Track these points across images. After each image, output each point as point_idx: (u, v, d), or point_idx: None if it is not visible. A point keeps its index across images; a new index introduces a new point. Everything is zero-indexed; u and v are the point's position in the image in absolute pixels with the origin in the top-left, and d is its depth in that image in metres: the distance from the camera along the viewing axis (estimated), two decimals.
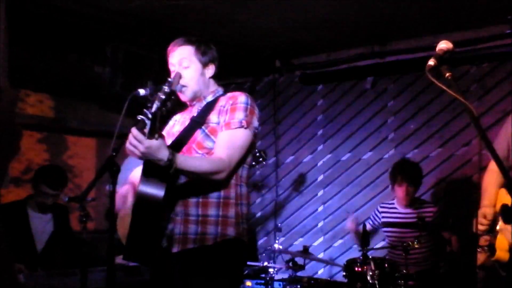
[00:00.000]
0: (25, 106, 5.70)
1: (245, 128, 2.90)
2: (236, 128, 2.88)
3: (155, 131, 2.62)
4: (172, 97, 2.73)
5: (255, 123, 2.98)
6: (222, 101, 3.01)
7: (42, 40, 5.04)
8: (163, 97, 2.65)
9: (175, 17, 5.01)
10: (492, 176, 3.24)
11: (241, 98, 2.97)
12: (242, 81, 6.67)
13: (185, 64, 3.05)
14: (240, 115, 2.91)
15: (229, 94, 3.05)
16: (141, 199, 2.76)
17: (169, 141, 2.97)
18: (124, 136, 2.80)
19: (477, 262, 3.18)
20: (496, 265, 2.90)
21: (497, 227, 2.91)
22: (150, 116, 2.61)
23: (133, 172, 3.31)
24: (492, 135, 4.49)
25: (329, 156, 6.24)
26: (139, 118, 2.64)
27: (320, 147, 6.31)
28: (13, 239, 4.50)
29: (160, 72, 5.32)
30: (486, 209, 3.02)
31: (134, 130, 2.61)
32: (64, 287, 3.90)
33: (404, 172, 4.91)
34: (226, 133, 2.89)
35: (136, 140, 2.60)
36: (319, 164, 6.30)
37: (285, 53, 6.19)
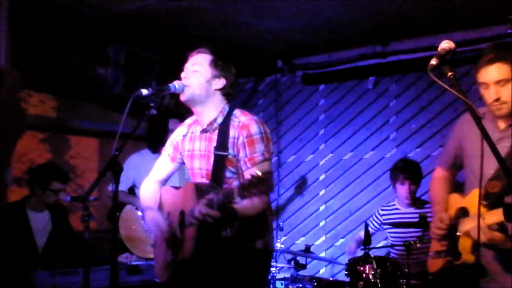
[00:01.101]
0: (28, 106, 5.70)
1: (267, 159, 3.04)
2: (260, 162, 3.00)
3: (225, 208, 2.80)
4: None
5: (272, 148, 3.12)
6: (232, 131, 3.07)
7: (44, 40, 5.05)
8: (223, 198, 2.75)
9: (177, 18, 5.02)
10: (439, 183, 3.26)
11: (254, 128, 3.05)
12: (244, 81, 6.68)
13: (196, 68, 3.12)
14: (260, 147, 3.02)
15: (237, 121, 3.10)
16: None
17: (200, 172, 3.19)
18: (127, 136, 2.82)
19: (430, 269, 3.18)
20: (460, 270, 2.89)
21: (458, 232, 2.89)
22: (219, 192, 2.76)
23: (144, 191, 3.46)
24: None
25: (330, 155, 6.25)
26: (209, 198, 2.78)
27: (321, 147, 6.32)
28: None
29: (162, 72, 5.33)
30: (442, 214, 3.01)
31: (205, 209, 2.75)
32: (67, 286, 3.91)
33: (406, 171, 4.92)
34: (254, 170, 2.98)
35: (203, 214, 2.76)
36: (320, 163, 6.31)
37: (286, 53, 6.20)
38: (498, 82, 2.79)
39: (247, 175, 2.95)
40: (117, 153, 2.72)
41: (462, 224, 2.88)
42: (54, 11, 4.78)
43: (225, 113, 3.13)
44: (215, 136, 3.12)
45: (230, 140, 3.05)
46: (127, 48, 5.25)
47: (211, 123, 3.13)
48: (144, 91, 2.90)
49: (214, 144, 3.10)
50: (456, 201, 3.08)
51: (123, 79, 5.20)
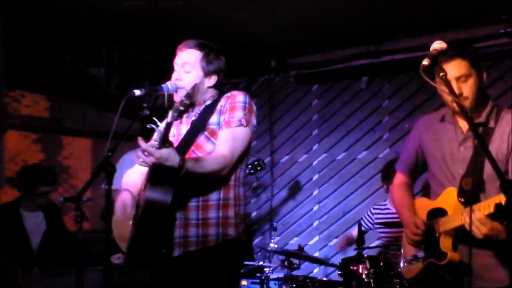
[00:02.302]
0: (20, 106, 5.69)
1: (245, 126, 2.96)
2: (236, 126, 2.94)
3: (167, 139, 2.67)
4: (189, 109, 2.90)
5: (254, 121, 3.04)
6: (221, 102, 3.04)
7: (37, 40, 5.04)
8: (182, 108, 2.70)
9: (170, 17, 5.01)
10: (401, 189, 3.28)
11: (240, 97, 3.02)
12: (238, 81, 6.67)
13: (187, 68, 3.08)
14: (239, 113, 2.96)
15: (227, 94, 3.07)
16: (149, 205, 2.78)
17: None
18: (119, 136, 2.81)
19: (406, 275, 3.19)
20: (443, 271, 2.88)
21: (437, 233, 2.88)
22: (160, 124, 2.68)
23: (126, 177, 3.33)
24: None
25: (324, 155, 6.25)
26: (148, 127, 2.71)
27: (315, 147, 6.33)
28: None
29: (155, 72, 5.32)
30: (416, 219, 2.99)
31: (142, 143, 2.66)
32: (60, 287, 3.91)
33: None
34: (227, 131, 2.94)
35: (145, 152, 2.65)
36: (314, 163, 6.31)
37: (280, 53, 6.20)
38: (458, 78, 2.79)
39: (217, 145, 2.91)
40: (109, 153, 2.71)
41: (441, 225, 2.86)
42: (47, 10, 4.77)
43: (216, 98, 3.11)
44: (197, 112, 3.08)
45: (220, 109, 3.01)
46: (120, 48, 5.24)
47: (199, 104, 3.10)
48: (137, 92, 2.89)
49: (194, 118, 3.06)
50: (425, 204, 3.08)
51: (117, 79, 5.19)
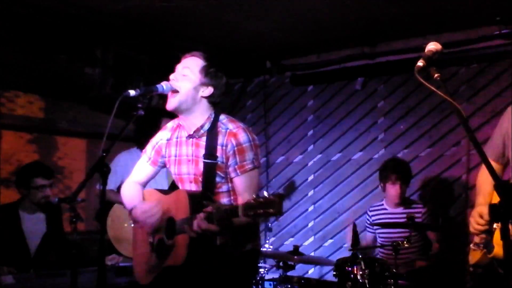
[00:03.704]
0: (15, 107, 5.68)
1: (257, 167, 3.10)
2: (250, 170, 3.06)
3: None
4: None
5: (260, 155, 3.19)
6: (220, 139, 3.09)
7: (32, 41, 5.03)
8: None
9: (165, 19, 5.00)
10: (486, 175, 3.17)
11: (243, 137, 3.08)
12: (233, 82, 6.67)
13: (186, 72, 3.11)
14: (249, 155, 3.07)
15: (226, 129, 3.10)
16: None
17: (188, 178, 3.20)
18: (114, 137, 2.81)
19: (470, 260, 3.18)
20: (494, 263, 2.88)
21: (494, 225, 2.88)
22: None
23: (125, 192, 3.41)
24: (481, 135, 4.55)
25: (319, 156, 6.26)
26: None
27: (310, 148, 6.33)
28: (5, 242, 4.49)
29: (150, 73, 5.32)
30: (483, 208, 2.95)
31: (204, 224, 2.79)
32: None
33: (398, 171, 4.92)
34: (244, 178, 3.07)
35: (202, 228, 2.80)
36: (309, 164, 6.32)
37: (275, 54, 6.20)
38: None
39: (238, 191, 3.06)
40: (104, 154, 2.71)
41: None
42: (42, 11, 4.75)
43: (212, 119, 3.13)
44: (202, 142, 3.12)
45: (219, 147, 3.07)
46: (115, 49, 5.24)
47: (197, 130, 3.13)
48: (132, 92, 2.89)
49: (202, 150, 3.11)
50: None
51: (111, 80, 5.18)
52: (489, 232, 2.94)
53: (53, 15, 4.83)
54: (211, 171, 3.07)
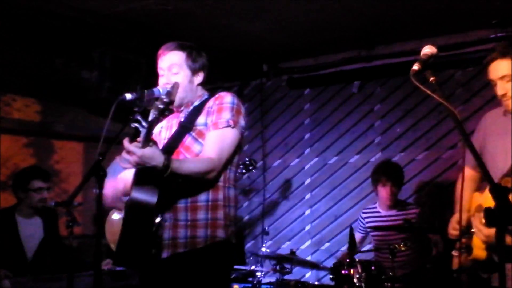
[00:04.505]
0: (12, 110, 5.67)
1: (232, 127, 2.95)
2: (223, 127, 2.93)
3: (150, 139, 2.67)
4: (170, 107, 2.82)
5: (242, 122, 3.03)
6: (209, 103, 3.05)
7: (29, 44, 5.03)
8: (162, 106, 2.68)
9: (162, 21, 5.01)
10: (464, 182, 3.24)
11: (227, 98, 3.02)
12: (230, 85, 6.67)
13: (175, 70, 3.08)
14: (227, 114, 2.96)
15: (216, 95, 3.08)
16: (133, 205, 2.79)
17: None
18: (111, 140, 2.81)
19: (454, 266, 3.22)
20: (476, 267, 2.92)
21: (472, 229, 2.95)
22: (144, 124, 2.66)
23: (122, 174, 3.32)
24: None
25: (316, 159, 6.26)
26: (132, 126, 2.68)
27: (307, 151, 6.33)
28: (1, 247, 4.47)
29: (147, 76, 5.32)
30: (457, 215, 3.07)
31: (126, 143, 2.66)
32: None
33: (388, 173, 4.93)
34: (214, 133, 2.93)
35: (129, 152, 2.66)
36: (306, 167, 6.32)
37: (272, 57, 6.20)
38: (502, 78, 2.86)
39: (204, 147, 2.90)
40: (101, 158, 2.70)
41: (475, 221, 2.90)
42: (39, 14, 4.75)
43: (204, 98, 3.12)
44: (186, 113, 3.09)
45: (207, 110, 3.01)
46: (112, 52, 5.23)
47: (187, 105, 3.10)
48: (128, 96, 2.88)
49: (182, 119, 3.06)
50: (476, 199, 3.12)
51: (108, 83, 5.17)
52: (469, 236, 2.97)
53: (50, 18, 4.82)
54: (180, 134, 2.99)
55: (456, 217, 3.07)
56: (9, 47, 4.88)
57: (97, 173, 2.69)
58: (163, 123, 3.28)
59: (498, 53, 2.86)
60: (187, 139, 2.99)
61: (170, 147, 2.98)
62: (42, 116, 5.89)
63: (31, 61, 5.19)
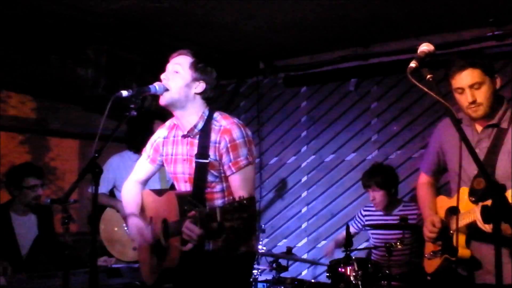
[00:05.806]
0: (7, 107, 5.66)
1: (252, 163, 3.07)
2: (245, 166, 3.04)
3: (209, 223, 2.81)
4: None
5: (254, 151, 3.14)
6: (213, 136, 3.09)
7: (24, 41, 5.00)
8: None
9: (158, 19, 4.99)
10: (424, 189, 3.44)
11: (236, 133, 3.07)
12: (226, 83, 6.66)
13: (176, 68, 3.11)
14: (243, 151, 3.04)
15: (219, 126, 3.10)
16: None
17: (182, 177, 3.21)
18: (106, 137, 2.80)
19: (427, 270, 3.31)
20: (456, 265, 3.02)
21: (451, 230, 3.04)
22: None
23: (125, 192, 3.44)
24: None
25: (312, 157, 6.25)
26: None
27: (303, 149, 6.33)
28: None
29: (142, 73, 5.31)
30: (433, 217, 3.16)
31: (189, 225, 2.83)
32: None
33: (375, 177, 4.91)
34: (238, 175, 3.04)
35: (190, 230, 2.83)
36: (302, 165, 6.31)
37: (268, 55, 6.19)
38: (472, 86, 2.96)
39: (234, 189, 3.03)
40: (96, 155, 2.70)
41: (454, 222, 2.97)
42: (34, 11, 4.73)
43: (205, 117, 3.13)
44: (196, 141, 3.12)
45: (211, 145, 3.06)
46: (108, 49, 5.22)
47: (191, 129, 3.13)
48: (124, 93, 2.88)
49: (196, 149, 3.11)
50: (444, 202, 3.22)
51: (104, 80, 5.17)
52: (445, 237, 3.06)
53: (45, 15, 4.80)
54: (202, 171, 3.07)
55: (430, 219, 3.15)
56: (4, 45, 4.86)
57: (92, 171, 2.68)
58: (164, 133, 3.32)
59: (467, 62, 2.97)
60: (209, 178, 3.09)
61: (199, 189, 3.10)
62: (38, 113, 5.88)
63: (26, 58, 5.17)
